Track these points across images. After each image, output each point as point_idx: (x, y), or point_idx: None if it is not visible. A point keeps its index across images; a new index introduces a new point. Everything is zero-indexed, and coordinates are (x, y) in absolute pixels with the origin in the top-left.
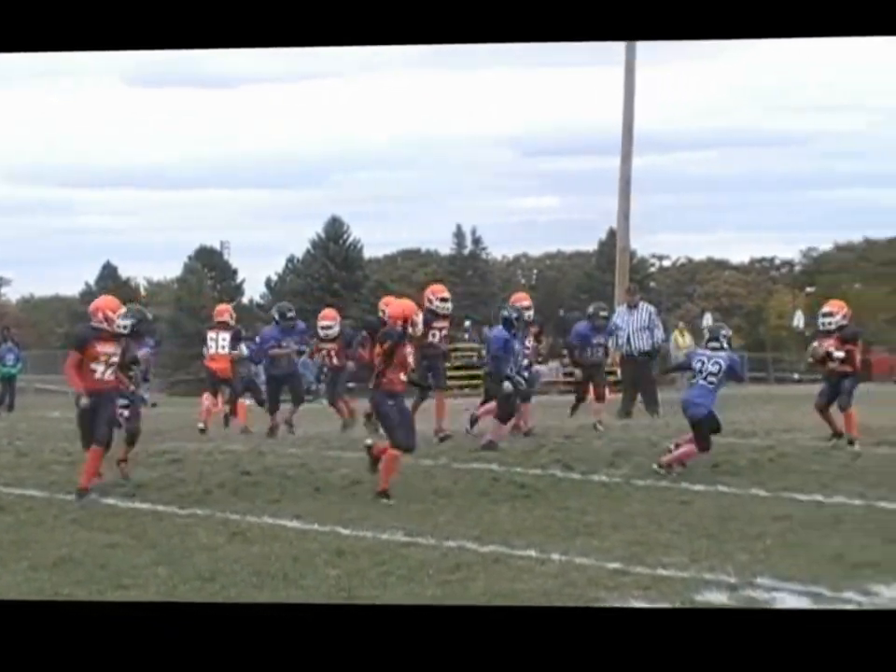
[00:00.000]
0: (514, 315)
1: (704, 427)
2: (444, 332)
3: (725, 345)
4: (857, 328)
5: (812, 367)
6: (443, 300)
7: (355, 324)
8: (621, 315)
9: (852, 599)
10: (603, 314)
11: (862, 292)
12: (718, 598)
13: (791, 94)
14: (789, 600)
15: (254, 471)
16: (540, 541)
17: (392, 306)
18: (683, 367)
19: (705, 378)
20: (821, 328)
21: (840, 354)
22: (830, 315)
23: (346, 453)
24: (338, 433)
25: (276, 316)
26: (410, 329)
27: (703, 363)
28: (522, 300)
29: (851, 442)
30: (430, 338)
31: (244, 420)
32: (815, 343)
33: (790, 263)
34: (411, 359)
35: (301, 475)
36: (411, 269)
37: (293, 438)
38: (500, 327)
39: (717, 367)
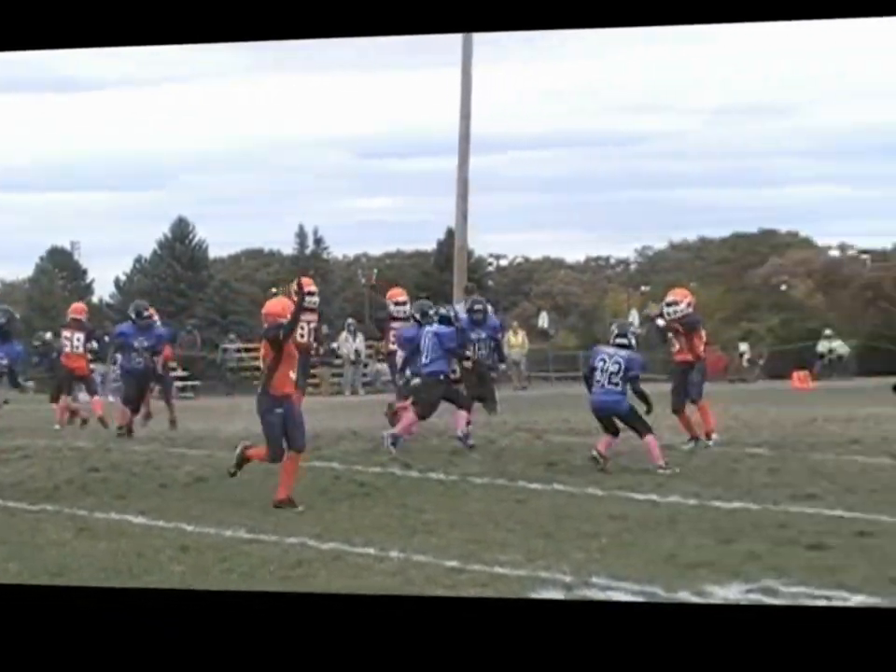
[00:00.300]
0: (453, 313)
1: (634, 416)
2: (313, 325)
3: (633, 343)
4: (696, 316)
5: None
6: (310, 293)
7: (199, 322)
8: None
9: (686, 599)
10: (478, 307)
11: (698, 291)
12: (553, 597)
13: (626, 95)
14: (623, 599)
15: (101, 468)
16: (380, 539)
17: (269, 304)
18: (591, 368)
19: (609, 380)
20: (667, 317)
21: (661, 322)
22: (675, 303)
23: (191, 450)
24: (183, 430)
25: (132, 315)
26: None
27: (604, 362)
28: (398, 295)
29: (708, 436)
30: (300, 330)
31: (100, 410)
32: (655, 307)
33: (625, 262)
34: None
35: (146, 472)
36: (254, 268)
37: (138, 435)
38: (439, 324)
39: (616, 366)
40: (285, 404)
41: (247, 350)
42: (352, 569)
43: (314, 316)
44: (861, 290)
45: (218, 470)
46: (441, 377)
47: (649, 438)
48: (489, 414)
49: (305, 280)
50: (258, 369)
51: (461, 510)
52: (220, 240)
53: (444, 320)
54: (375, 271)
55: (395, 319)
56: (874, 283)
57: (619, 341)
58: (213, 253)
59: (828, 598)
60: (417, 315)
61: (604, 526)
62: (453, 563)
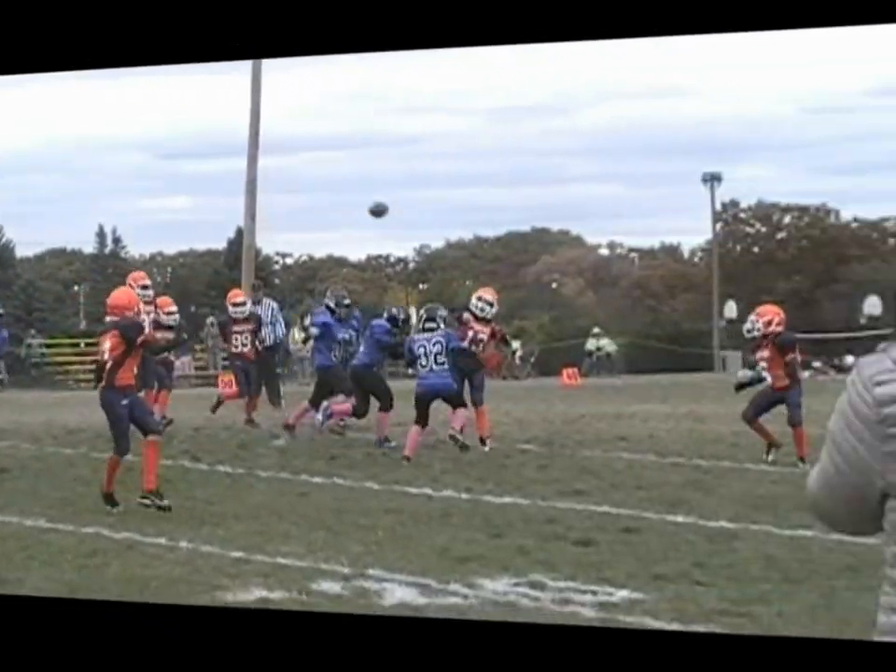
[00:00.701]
0: (402, 315)
1: (458, 398)
2: (152, 316)
3: (441, 325)
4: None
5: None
6: (145, 286)
7: (6, 319)
8: None
9: (458, 592)
10: (346, 301)
11: (473, 289)
12: (332, 588)
13: (404, 97)
14: (398, 591)
15: None
16: (170, 530)
17: (115, 296)
18: (412, 358)
19: (436, 361)
20: (478, 312)
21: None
22: (491, 304)
23: None
24: None
25: None
26: (142, 317)
27: (425, 348)
28: (237, 296)
29: (483, 442)
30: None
31: None
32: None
33: (404, 261)
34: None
35: None
36: (57, 267)
37: None
38: (385, 318)
39: (439, 346)
40: (129, 394)
41: (49, 346)
42: (144, 558)
43: (150, 307)
44: (630, 289)
45: (21, 461)
46: (374, 368)
47: (461, 410)
48: (274, 408)
49: (136, 275)
50: (61, 363)
51: (247, 502)
52: (27, 239)
53: (392, 320)
54: (169, 269)
55: (235, 321)
56: (642, 282)
57: (429, 325)
58: (19, 252)
59: (594, 593)
60: (332, 304)
61: (380, 520)
62: (238, 553)
